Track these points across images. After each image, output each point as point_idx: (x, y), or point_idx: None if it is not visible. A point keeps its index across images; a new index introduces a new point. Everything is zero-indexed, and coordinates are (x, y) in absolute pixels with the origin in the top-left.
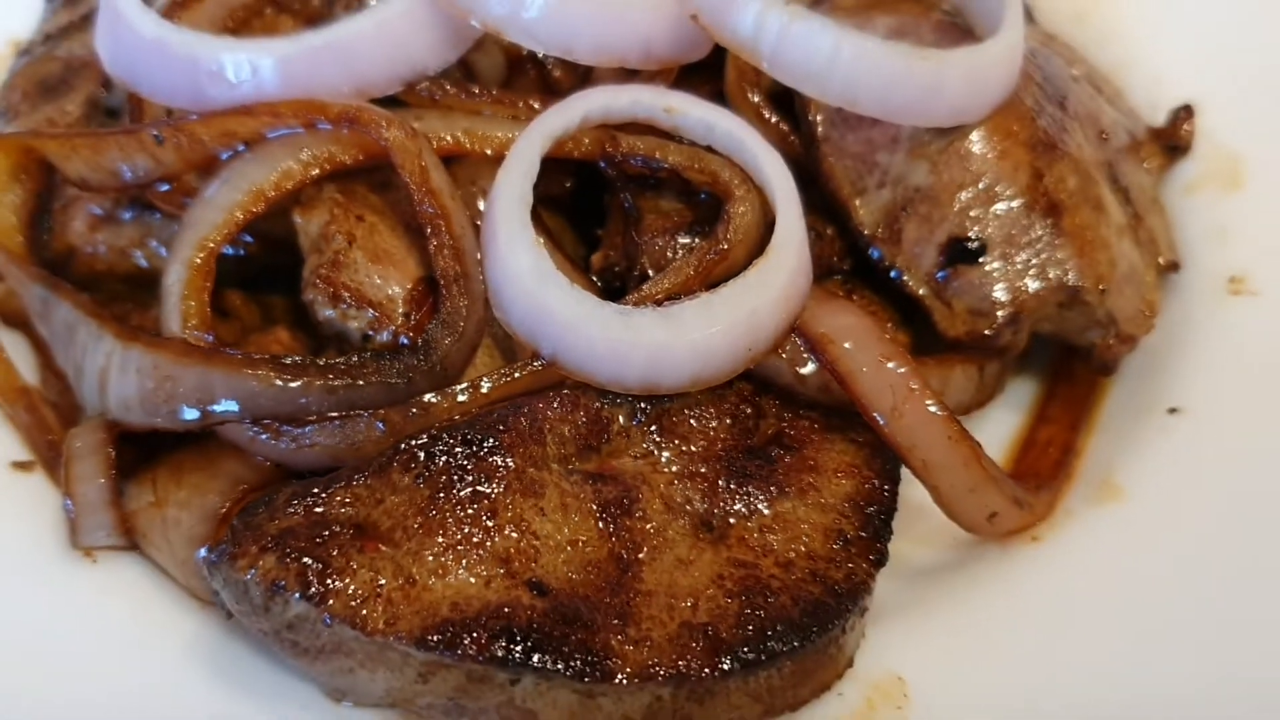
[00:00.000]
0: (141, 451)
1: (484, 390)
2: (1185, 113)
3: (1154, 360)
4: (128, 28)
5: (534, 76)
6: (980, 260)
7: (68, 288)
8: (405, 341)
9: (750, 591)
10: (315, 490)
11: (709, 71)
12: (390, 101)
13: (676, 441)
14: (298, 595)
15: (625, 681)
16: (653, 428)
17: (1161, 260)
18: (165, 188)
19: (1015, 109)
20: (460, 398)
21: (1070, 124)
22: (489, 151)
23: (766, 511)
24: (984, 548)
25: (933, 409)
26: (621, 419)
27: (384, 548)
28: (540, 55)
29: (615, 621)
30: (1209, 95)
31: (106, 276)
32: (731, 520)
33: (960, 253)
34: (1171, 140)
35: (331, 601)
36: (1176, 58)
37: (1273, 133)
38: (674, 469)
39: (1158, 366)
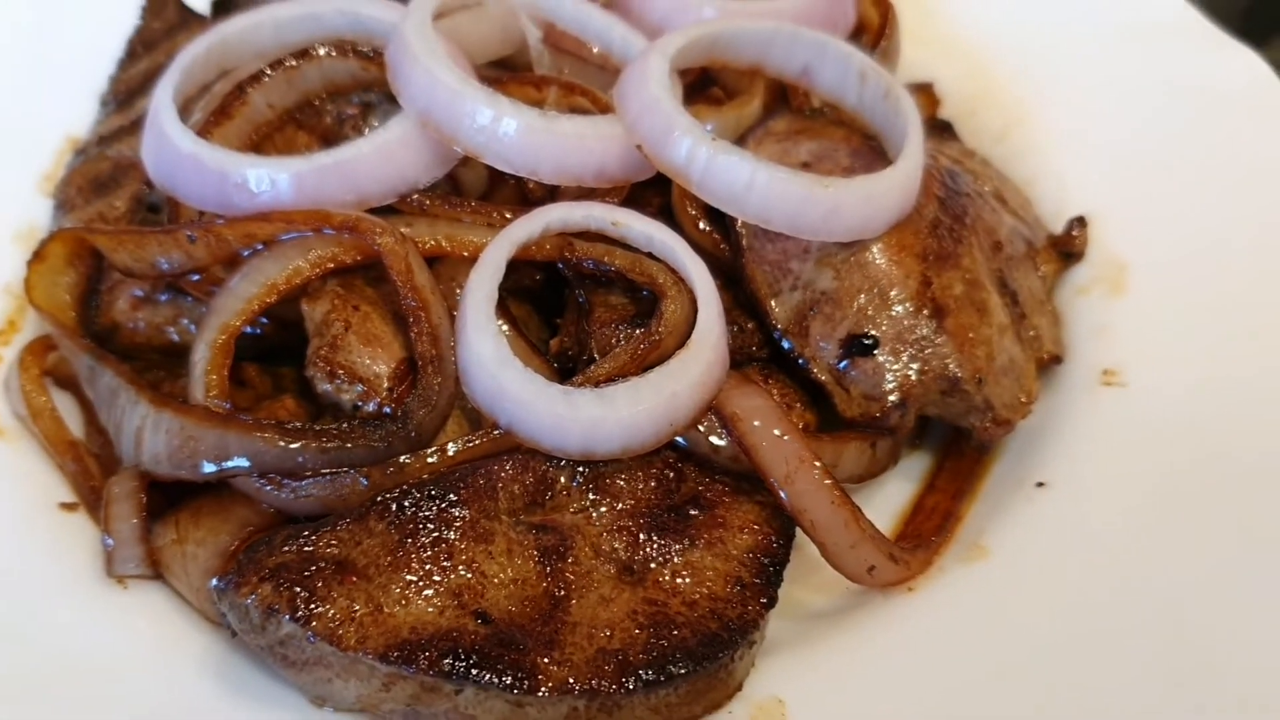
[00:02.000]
0: (167, 497)
1: (450, 453)
2: (1079, 223)
3: (1030, 440)
4: (168, 143)
5: (512, 186)
6: (874, 353)
7: (111, 358)
8: (388, 411)
9: (658, 625)
10: (306, 533)
11: (658, 186)
12: (386, 210)
13: (609, 499)
14: (288, 617)
15: (547, 695)
16: (589, 487)
17: (1045, 354)
18: (196, 277)
19: (913, 224)
20: (430, 459)
21: (966, 235)
22: (466, 254)
23: (679, 560)
24: (869, 596)
25: (818, 478)
26: (564, 479)
27: (359, 580)
28: None
29: (543, 646)
30: (1105, 207)
31: (144, 348)
32: (650, 566)
33: (857, 347)
34: (1066, 248)
35: (315, 623)
36: (1080, 172)
37: (1154, 242)
38: (605, 522)
39: (1033, 445)
